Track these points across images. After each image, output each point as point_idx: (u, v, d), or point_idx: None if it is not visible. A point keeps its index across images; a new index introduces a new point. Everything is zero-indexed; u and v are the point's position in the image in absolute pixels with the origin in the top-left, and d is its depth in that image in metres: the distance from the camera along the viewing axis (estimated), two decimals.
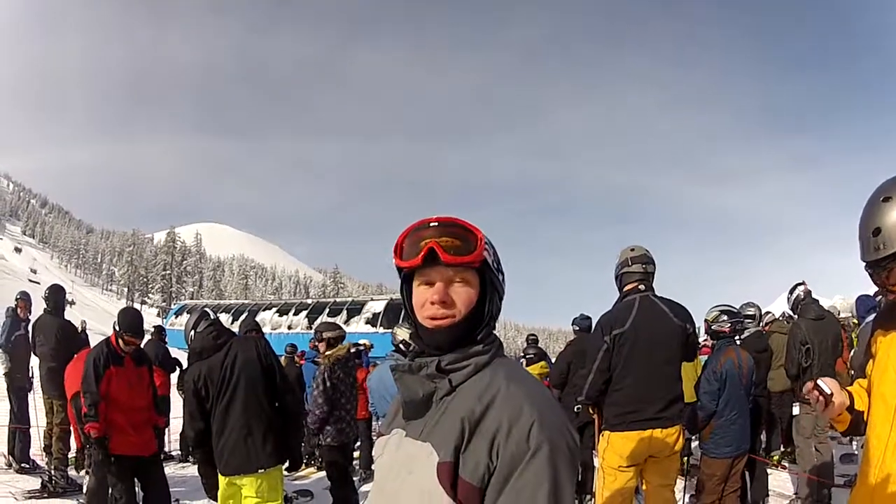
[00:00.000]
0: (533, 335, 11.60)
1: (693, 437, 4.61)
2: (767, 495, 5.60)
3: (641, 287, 3.86)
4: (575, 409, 5.34)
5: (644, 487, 3.98)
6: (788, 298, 5.73)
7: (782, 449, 7.08)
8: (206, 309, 4.30)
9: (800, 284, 5.67)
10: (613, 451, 3.70)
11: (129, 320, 4.42)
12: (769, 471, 6.46)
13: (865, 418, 1.91)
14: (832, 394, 1.82)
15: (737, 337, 4.90)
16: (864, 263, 1.77)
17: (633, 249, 3.93)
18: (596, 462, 4.18)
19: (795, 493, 5.75)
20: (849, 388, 1.97)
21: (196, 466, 4.08)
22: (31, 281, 72.77)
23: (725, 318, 4.52)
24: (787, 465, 6.91)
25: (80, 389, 4.29)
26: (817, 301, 5.69)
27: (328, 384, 5.19)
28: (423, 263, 1.33)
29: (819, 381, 1.83)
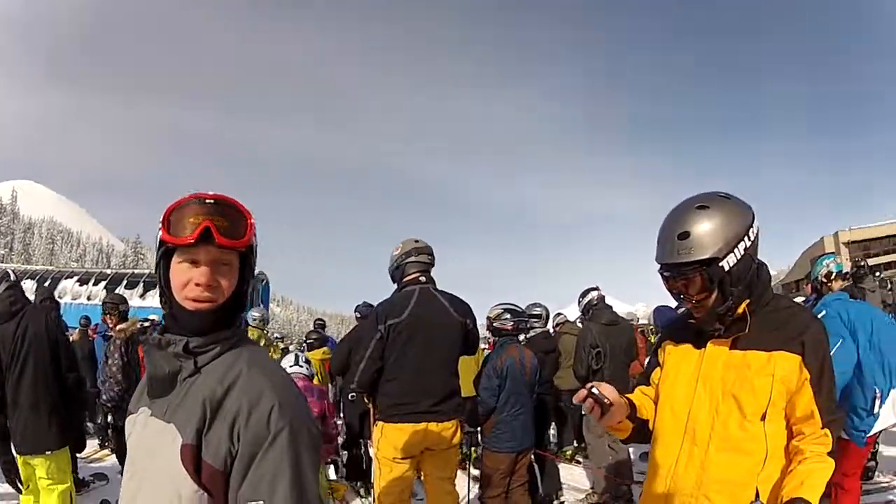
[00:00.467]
0: (320, 320, 11.49)
1: (476, 431, 4.64)
2: (560, 489, 5.73)
3: (422, 278, 3.81)
4: (350, 397, 5.34)
5: (424, 479, 3.96)
6: (580, 302, 5.85)
7: (575, 444, 7.30)
8: (9, 271, 4.08)
9: (593, 289, 5.80)
10: (388, 442, 3.65)
11: None
12: (563, 465, 6.74)
13: (651, 427, 1.90)
14: (610, 402, 1.75)
15: (521, 335, 5.01)
16: (659, 266, 1.74)
17: (417, 241, 3.91)
18: (371, 452, 4.12)
19: (591, 488, 5.92)
20: (630, 395, 1.94)
21: None
22: None
23: (508, 316, 4.58)
24: (581, 460, 7.09)
25: None
26: (610, 307, 5.86)
27: (125, 360, 4.98)
28: (196, 242, 1.27)
29: (593, 388, 1.76)
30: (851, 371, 3.67)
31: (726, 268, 1.67)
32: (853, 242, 52.59)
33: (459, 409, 3.87)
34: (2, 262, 66.30)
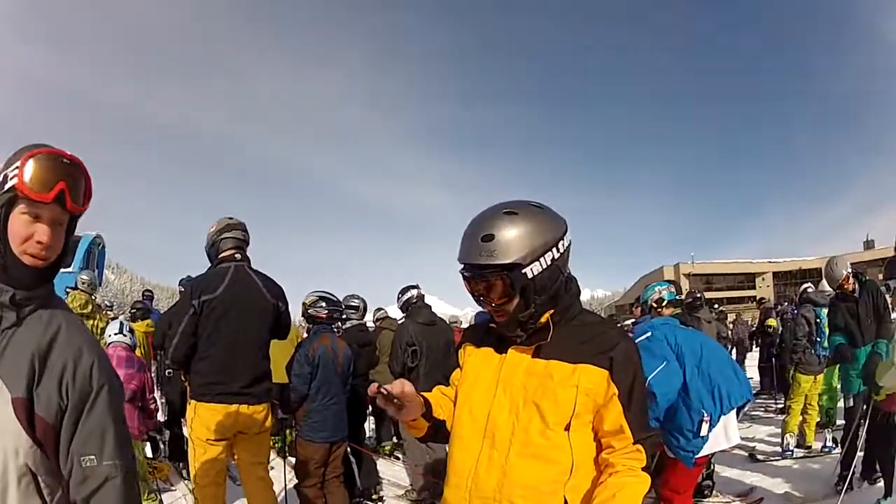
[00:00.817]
0: (149, 291, 11.20)
1: (290, 417, 4.65)
2: (379, 484, 5.78)
3: (237, 255, 3.79)
4: (167, 374, 5.15)
5: (237, 463, 3.92)
6: (399, 299, 5.86)
7: (394, 440, 7.34)
8: None
9: (413, 287, 5.82)
10: (201, 422, 3.60)
11: None
12: (383, 461, 6.76)
13: (450, 427, 1.87)
14: (399, 400, 1.73)
15: (336, 325, 5.02)
16: (461, 266, 1.69)
17: (231, 219, 3.90)
18: (185, 431, 4.04)
19: (411, 485, 5.93)
20: (427, 394, 1.91)
21: None
22: None
23: (324, 304, 4.57)
24: (399, 456, 7.11)
25: None
26: (429, 306, 5.88)
27: None
28: (52, 201, 1.30)
29: (384, 386, 1.71)
30: (675, 393, 3.68)
31: (529, 275, 1.63)
32: (695, 275, 56.54)
33: (270, 392, 3.88)
34: None
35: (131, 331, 5.06)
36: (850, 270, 5.37)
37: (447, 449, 1.86)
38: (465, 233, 1.69)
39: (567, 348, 1.69)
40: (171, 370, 4.56)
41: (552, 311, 1.71)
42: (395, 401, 1.72)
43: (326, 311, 4.60)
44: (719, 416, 3.71)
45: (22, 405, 1.26)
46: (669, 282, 4.85)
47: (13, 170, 1.32)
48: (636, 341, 3.82)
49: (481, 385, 1.77)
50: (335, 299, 4.73)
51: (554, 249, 1.67)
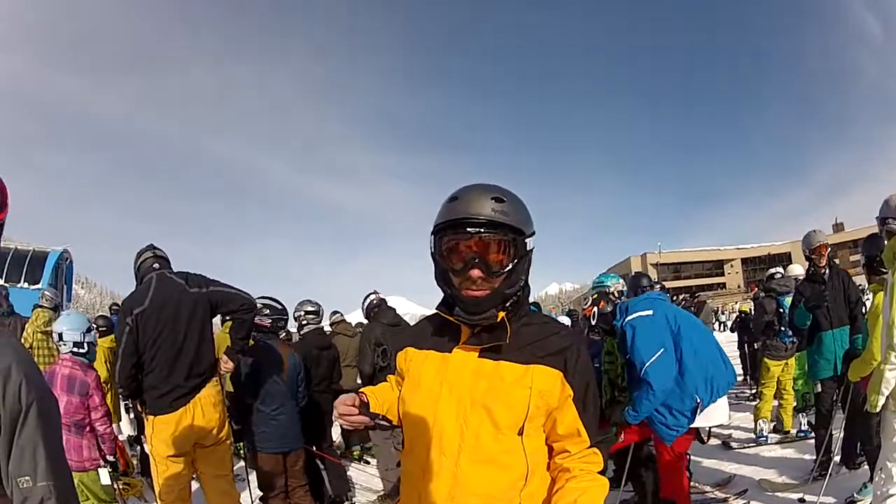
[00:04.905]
0: (116, 304, 10.36)
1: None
2: (351, 489, 5.56)
3: (156, 265, 3.73)
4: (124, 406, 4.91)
5: (199, 477, 3.78)
6: (362, 305, 5.80)
7: (361, 445, 7.15)
8: None
9: (373, 293, 5.79)
10: (159, 439, 3.52)
11: None
12: (354, 466, 6.62)
13: (391, 416, 1.76)
14: (362, 415, 1.66)
15: (282, 333, 4.80)
16: (456, 220, 1.53)
17: (148, 248, 3.85)
18: (147, 449, 3.84)
19: (383, 490, 5.73)
20: (366, 388, 1.80)
21: None
22: None
23: (268, 311, 4.34)
24: (369, 460, 6.96)
25: None
26: (393, 308, 5.78)
27: None
28: None
29: (349, 417, 1.65)
30: (672, 382, 3.55)
31: (527, 247, 1.53)
32: (663, 264, 56.18)
33: (214, 367, 3.75)
34: None
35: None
36: (828, 244, 5.19)
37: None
38: (462, 195, 1.55)
39: (517, 349, 1.55)
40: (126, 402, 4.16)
41: (506, 310, 1.56)
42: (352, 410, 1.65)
43: (270, 320, 4.37)
44: (708, 404, 3.61)
45: None
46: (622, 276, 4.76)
47: None
48: (636, 315, 3.71)
49: (425, 388, 1.62)
50: (280, 307, 4.51)
51: (532, 239, 1.57)
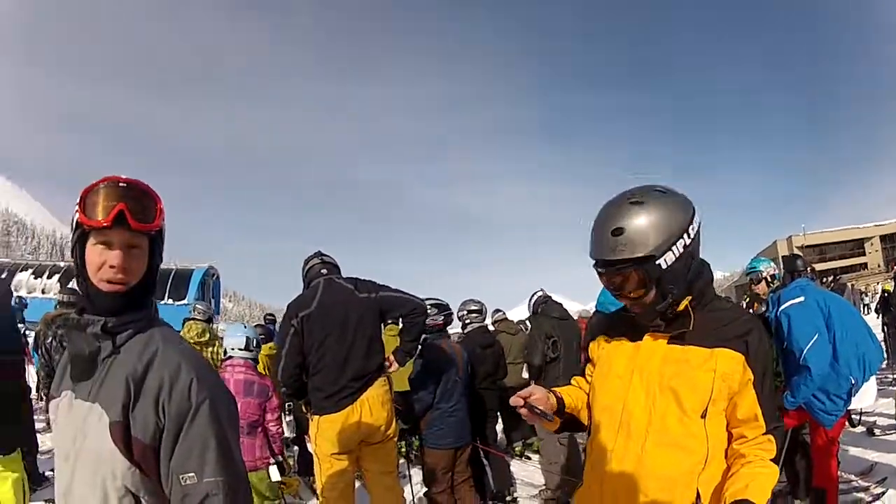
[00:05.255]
0: (270, 315, 11.06)
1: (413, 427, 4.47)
2: (513, 485, 5.55)
3: (324, 271, 3.76)
4: (287, 407, 5.14)
5: (364, 475, 3.81)
6: (529, 302, 5.87)
7: (523, 442, 7.07)
8: None
9: (539, 290, 5.87)
10: (324, 437, 3.53)
11: None
12: (516, 462, 6.60)
13: (582, 418, 1.82)
14: (541, 410, 1.67)
15: (459, 331, 4.92)
16: (594, 262, 1.61)
17: (316, 255, 3.91)
18: (310, 448, 3.99)
19: (545, 485, 5.70)
20: (560, 388, 1.83)
21: None
22: None
23: (437, 311, 4.41)
24: (531, 456, 6.93)
25: None
26: (560, 303, 5.84)
27: (43, 349, 4.98)
28: (111, 225, 1.26)
29: (526, 400, 1.67)
30: (828, 366, 3.57)
31: (664, 266, 1.53)
32: (808, 246, 52.34)
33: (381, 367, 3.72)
34: None
35: (258, 345, 4.68)
36: None
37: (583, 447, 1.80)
38: (593, 227, 1.60)
39: (703, 334, 1.60)
40: (289, 402, 4.43)
41: (690, 297, 1.61)
42: (537, 410, 1.67)
43: (442, 318, 4.46)
44: (862, 383, 3.65)
45: (119, 429, 1.24)
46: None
47: (75, 207, 1.31)
48: (789, 304, 3.69)
49: (615, 375, 1.68)
50: (444, 303, 4.59)
51: (685, 236, 1.57)
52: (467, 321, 5.54)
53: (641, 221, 1.53)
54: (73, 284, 10.96)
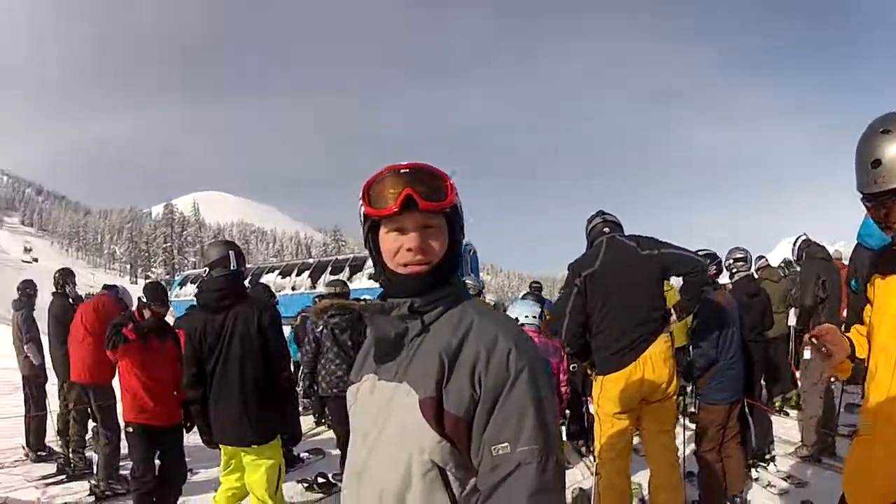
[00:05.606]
0: (536, 283, 10.84)
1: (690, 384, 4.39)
2: (772, 442, 5.31)
3: (606, 230, 3.75)
4: (571, 368, 5.13)
5: (642, 433, 3.81)
6: (792, 248, 5.81)
7: (782, 396, 6.75)
8: (230, 254, 3.71)
9: (802, 235, 5.80)
10: (606, 397, 3.56)
11: (153, 292, 4.37)
12: (772, 417, 6.17)
13: (866, 365, 1.74)
14: (829, 351, 1.68)
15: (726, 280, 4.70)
16: (860, 196, 1.60)
17: (598, 214, 3.91)
18: (592, 409, 4.03)
19: (802, 441, 5.45)
20: (848, 334, 1.80)
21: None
22: (24, 262, 67.24)
23: (708, 261, 4.23)
24: (788, 411, 6.62)
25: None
26: (823, 245, 5.71)
27: (311, 336, 5.26)
28: (400, 210, 1.26)
29: (814, 338, 1.68)
30: None
31: None
32: None
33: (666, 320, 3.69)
34: (195, 269, 70.65)
35: (540, 315, 4.80)
36: None
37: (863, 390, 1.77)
38: (855, 162, 1.60)
39: None
40: (574, 365, 4.45)
41: None
42: (824, 348, 1.66)
43: (714, 268, 4.34)
44: None
45: (430, 405, 1.22)
46: None
47: (359, 201, 1.32)
48: None
49: (890, 316, 1.65)
50: (714, 253, 4.49)
51: None
52: (733, 270, 5.32)
53: (894, 150, 1.51)
54: (336, 277, 11.99)
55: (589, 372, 3.92)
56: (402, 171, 1.30)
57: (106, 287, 6.18)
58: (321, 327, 5.21)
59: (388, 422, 1.28)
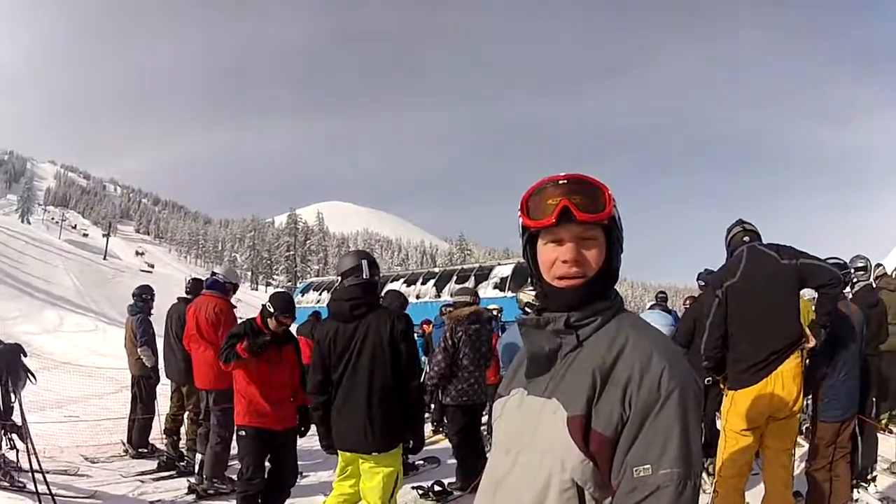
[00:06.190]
0: (662, 293, 10.72)
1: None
2: (875, 461, 5.05)
3: (746, 238, 3.68)
4: (706, 381, 4.96)
5: (763, 451, 3.69)
6: None
7: (890, 413, 6.39)
8: (363, 263, 3.66)
9: None
10: (736, 413, 3.50)
11: (282, 302, 4.34)
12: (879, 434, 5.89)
13: None
14: None
15: (847, 290, 4.43)
16: None
17: (738, 223, 3.83)
18: (719, 424, 3.95)
19: None
20: None
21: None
22: (142, 271, 69.78)
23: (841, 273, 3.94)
24: (893, 429, 6.26)
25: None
26: None
27: (449, 343, 5.13)
28: (557, 222, 1.25)
29: None
30: None
31: None
32: None
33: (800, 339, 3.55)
34: (318, 276, 68.26)
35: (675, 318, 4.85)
36: None
37: None
38: None
39: None
40: (709, 379, 4.27)
41: None
42: None
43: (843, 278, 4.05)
44: None
45: (579, 423, 1.20)
46: None
47: (518, 213, 1.32)
48: None
49: None
50: (842, 262, 4.34)
51: None
52: (854, 279, 5.09)
53: None
54: (463, 286, 12.06)
55: (722, 386, 3.81)
56: (560, 181, 1.29)
57: (209, 287, 5.75)
58: (461, 334, 5.14)
59: (533, 437, 1.26)
